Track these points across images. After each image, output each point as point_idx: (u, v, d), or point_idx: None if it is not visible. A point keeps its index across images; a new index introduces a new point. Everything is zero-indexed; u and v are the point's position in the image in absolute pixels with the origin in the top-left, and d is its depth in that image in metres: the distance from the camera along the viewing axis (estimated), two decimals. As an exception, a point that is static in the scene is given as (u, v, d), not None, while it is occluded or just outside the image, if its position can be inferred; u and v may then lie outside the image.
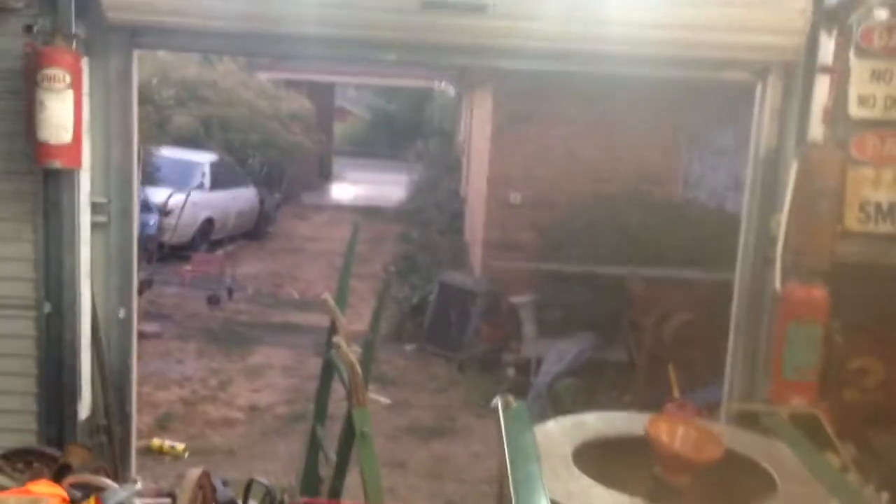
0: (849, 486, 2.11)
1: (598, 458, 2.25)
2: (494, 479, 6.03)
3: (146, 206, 11.48)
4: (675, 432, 2.09)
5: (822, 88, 4.26)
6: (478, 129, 12.33)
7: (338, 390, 4.71)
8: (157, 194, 12.18)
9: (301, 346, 9.02)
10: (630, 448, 2.27)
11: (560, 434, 2.31)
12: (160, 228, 11.84)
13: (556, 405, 6.85)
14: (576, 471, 2.09)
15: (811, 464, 2.14)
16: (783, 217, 4.12)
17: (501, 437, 2.23)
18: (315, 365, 7.87)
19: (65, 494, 3.52)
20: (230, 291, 11.08)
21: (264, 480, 5.04)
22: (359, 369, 4.25)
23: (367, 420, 4.34)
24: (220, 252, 12.33)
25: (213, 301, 10.60)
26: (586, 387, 7.32)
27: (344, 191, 24.35)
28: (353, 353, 4.25)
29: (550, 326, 8.26)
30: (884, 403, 4.33)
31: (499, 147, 9.81)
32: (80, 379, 4.48)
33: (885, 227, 4.31)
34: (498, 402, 2.52)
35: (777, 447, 2.30)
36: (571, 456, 2.15)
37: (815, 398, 4.00)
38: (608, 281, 8.17)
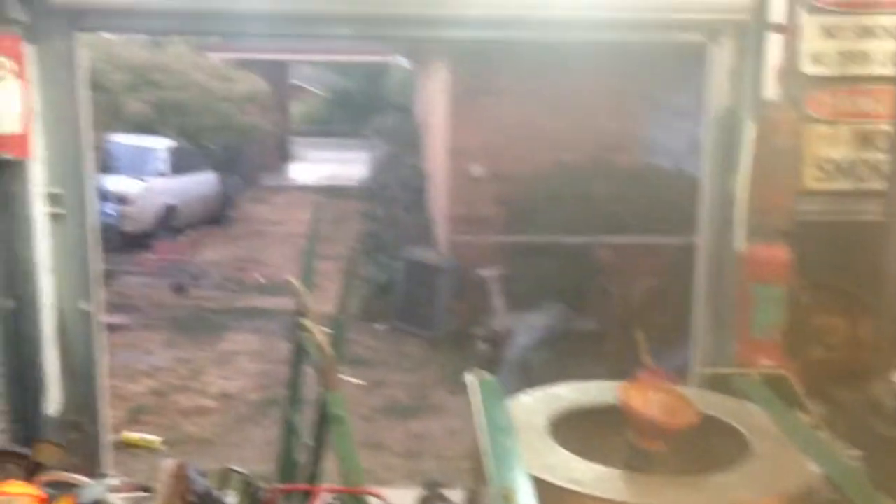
0: (822, 445, 2.14)
1: (574, 429, 2.25)
2: (470, 457, 6.06)
3: (104, 196, 11.31)
4: (647, 398, 2.10)
5: (774, 47, 4.28)
6: (436, 102, 12.26)
7: (310, 374, 4.69)
8: (115, 183, 11.99)
9: (270, 331, 8.97)
10: (606, 417, 2.28)
11: (534, 406, 2.31)
12: (120, 217, 11.66)
13: (529, 378, 6.89)
14: (552, 443, 2.09)
15: (784, 424, 2.17)
16: (742, 178, 4.15)
17: (475, 412, 2.22)
18: (285, 349, 7.80)
19: (39, 493, 3.47)
20: (195, 278, 10.96)
21: (241, 469, 5.03)
22: (329, 351, 4.22)
23: (341, 403, 4.32)
24: (182, 239, 12.18)
25: (178, 289, 10.48)
26: (558, 358, 7.36)
27: (304, 171, 24.14)
28: (322, 334, 4.22)
29: (519, 299, 8.29)
30: (848, 360, 4.41)
31: (457, 120, 9.77)
32: (45, 375, 4.40)
33: (843, 184, 4.36)
34: (470, 377, 2.51)
35: (749, 409, 2.32)
36: (547, 428, 2.15)
37: (781, 358, 4.06)
38: (574, 250, 8.21)
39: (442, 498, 4.59)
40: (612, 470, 2.01)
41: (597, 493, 1.90)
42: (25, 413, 4.40)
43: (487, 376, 2.49)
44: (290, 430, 4.89)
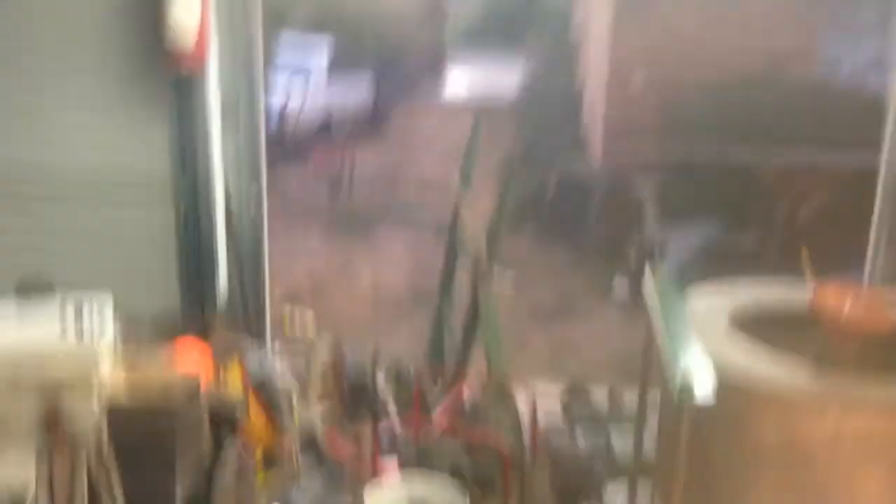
0: None
1: (756, 327, 2.15)
2: (614, 359, 6.06)
3: (268, 102, 11.68)
4: (845, 300, 1.98)
5: None
6: (597, 8, 11.86)
7: (461, 271, 4.77)
8: (278, 89, 12.37)
9: (421, 230, 9.15)
10: (789, 318, 2.19)
11: (713, 301, 2.23)
12: (281, 123, 12.07)
13: (680, 294, 6.73)
14: (733, 338, 2.02)
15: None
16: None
17: (650, 304, 2.17)
18: (435, 249, 7.96)
19: (210, 357, 3.74)
20: (351, 182, 11.30)
21: (391, 353, 5.23)
22: (484, 248, 4.27)
23: (492, 297, 4.40)
24: (339, 145, 12.50)
25: (334, 188, 10.86)
26: (711, 275, 7.14)
27: (460, 80, 24.07)
28: (479, 231, 4.27)
29: (675, 214, 8.05)
30: None
31: (619, 27, 9.42)
32: (217, 252, 4.68)
33: None
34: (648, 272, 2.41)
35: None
36: (727, 323, 2.09)
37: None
38: (737, 166, 7.85)
39: (585, 393, 4.62)
40: (800, 366, 1.91)
41: (783, 387, 1.82)
42: (198, 288, 4.70)
43: (665, 271, 2.41)
44: (441, 322, 5.03)
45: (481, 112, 5.04)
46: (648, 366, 2.38)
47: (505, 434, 3.94)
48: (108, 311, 3.41)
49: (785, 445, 1.82)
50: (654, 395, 2.56)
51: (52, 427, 1.63)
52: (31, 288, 3.93)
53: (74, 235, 4.69)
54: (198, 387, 3.10)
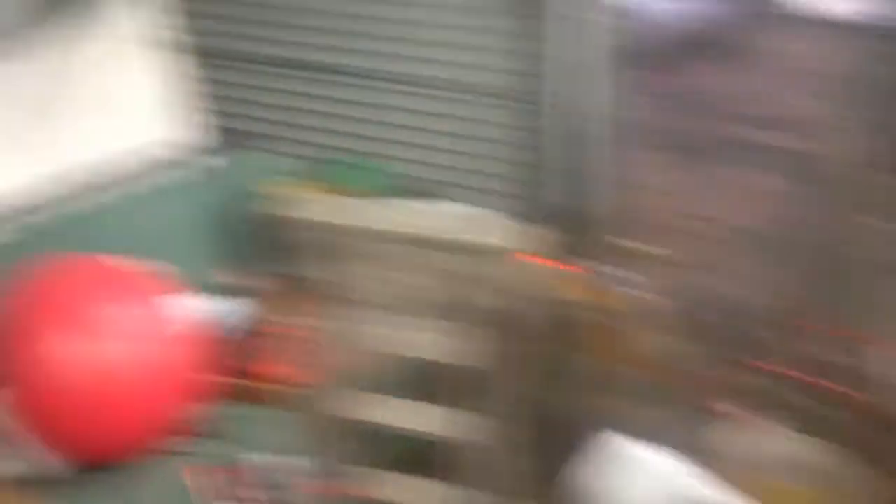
0: None
1: None
2: None
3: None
4: None
5: None
6: None
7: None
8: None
9: (774, 171, 8.42)
10: None
11: None
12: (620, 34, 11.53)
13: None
14: None
15: None
16: None
17: None
18: (789, 192, 7.24)
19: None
20: (695, 104, 10.64)
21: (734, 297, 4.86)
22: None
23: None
24: (683, 60, 11.76)
25: (674, 112, 10.27)
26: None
27: None
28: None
29: None
30: None
31: None
32: (556, 171, 4.55)
33: None
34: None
35: None
36: None
37: None
38: None
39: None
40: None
41: None
42: (535, 207, 4.64)
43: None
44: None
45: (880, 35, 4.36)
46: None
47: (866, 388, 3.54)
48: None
49: None
50: None
51: (505, 323, 1.72)
52: (411, 191, 4.09)
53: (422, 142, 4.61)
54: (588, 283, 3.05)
